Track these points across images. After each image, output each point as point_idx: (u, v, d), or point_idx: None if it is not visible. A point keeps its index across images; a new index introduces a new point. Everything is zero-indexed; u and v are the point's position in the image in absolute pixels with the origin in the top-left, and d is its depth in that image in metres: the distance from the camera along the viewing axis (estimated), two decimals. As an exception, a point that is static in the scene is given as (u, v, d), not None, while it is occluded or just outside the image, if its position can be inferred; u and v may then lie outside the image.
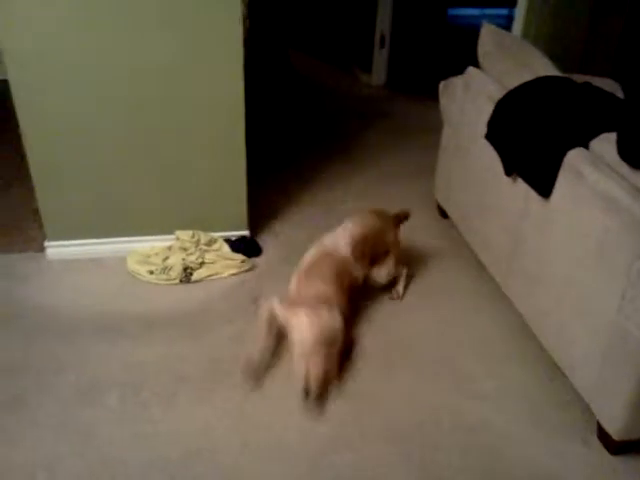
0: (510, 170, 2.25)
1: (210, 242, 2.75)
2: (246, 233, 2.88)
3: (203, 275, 2.63)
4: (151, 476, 1.77)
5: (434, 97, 3.12)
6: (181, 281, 2.59)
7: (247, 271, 2.70)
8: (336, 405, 2.01)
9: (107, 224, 2.71)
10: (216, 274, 2.65)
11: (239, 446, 1.87)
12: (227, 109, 2.54)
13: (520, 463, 1.82)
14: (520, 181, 2.20)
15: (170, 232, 2.75)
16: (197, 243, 2.71)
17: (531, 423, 1.97)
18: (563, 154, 1.95)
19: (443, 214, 3.13)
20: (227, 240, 2.80)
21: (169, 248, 2.72)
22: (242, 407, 2.01)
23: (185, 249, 2.69)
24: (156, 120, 2.52)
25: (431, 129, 3.55)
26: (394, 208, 2.64)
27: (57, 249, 2.70)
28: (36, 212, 2.69)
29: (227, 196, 2.77)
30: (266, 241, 2.92)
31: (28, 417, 1.94)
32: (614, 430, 1.79)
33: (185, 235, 2.73)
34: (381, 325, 2.40)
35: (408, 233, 2.87)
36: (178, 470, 1.79)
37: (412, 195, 3.37)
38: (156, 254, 2.70)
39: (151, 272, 2.61)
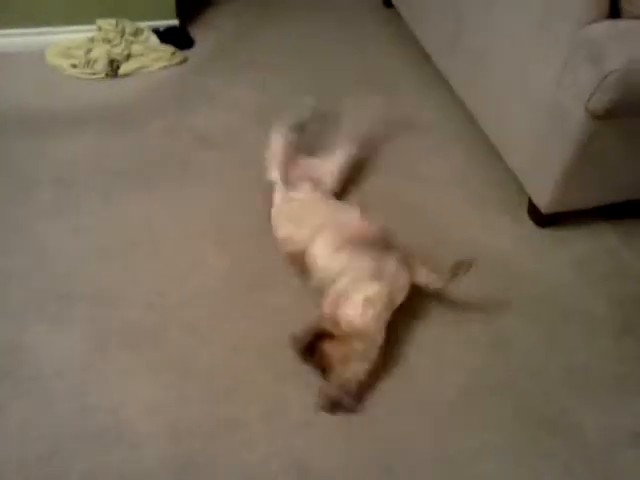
0: None
1: (136, 32, 2.53)
2: (175, 23, 2.65)
3: (131, 68, 2.45)
4: (93, 261, 1.77)
5: None
6: (107, 75, 2.42)
7: (178, 64, 2.53)
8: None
9: (21, 13, 2.44)
10: (145, 67, 2.47)
11: (180, 233, 1.88)
12: None
13: (457, 238, 1.90)
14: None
15: (91, 22, 2.51)
16: (122, 33, 2.49)
17: (467, 203, 2.04)
18: None
19: (387, 3, 2.95)
20: (155, 30, 2.58)
21: (91, 40, 2.50)
22: (180, 199, 1.98)
23: (109, 40, 2.47)
24: None
25: None
26: None
27: (-38, 42, 2.45)
28: None
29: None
30: (198, 32, 2.72)
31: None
32: (543, 204, 1.87)
33: (108, 25, 2.50)
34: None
35: (348, 19, 2.73)
36: (121, 254, 1.80)
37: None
38: (77, 47, 2.48)
39: (74, 66, 2.42)
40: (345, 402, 1.43)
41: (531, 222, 1.96)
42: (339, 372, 1.44)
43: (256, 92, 2.41)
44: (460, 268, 1.55)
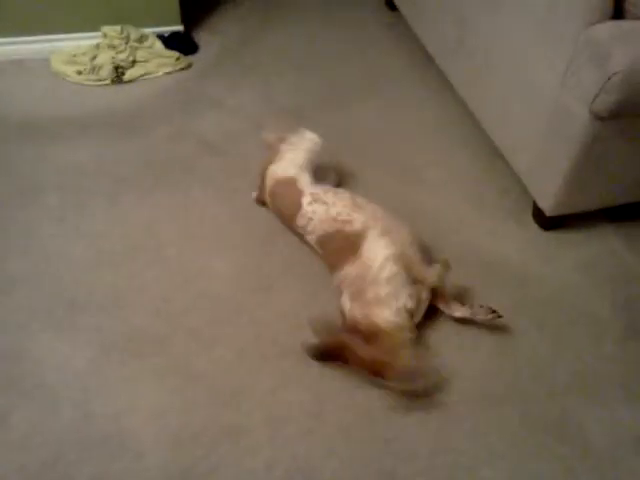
0: None
1: (141, 39, 2.54)
2: (180, 28, 2.66)
3: (136, 74, 2.46)
4: (98, 267, 1.78)
5: None
6: (112, 81, 2.43)
7: (183, 69, 2.54)
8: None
9: (26, 20, 2.46)
10: (149, 73, 2.48)
11: (185, 238, 1.88)
12: None
13: (460, 241, 1.90)
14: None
15: (96, 29, 2.52)
16: (127, 40, 2.50)
17: (471, 207, 2.03)
18: None
19: (391, 5, 2.94)
20: (159, 36, 2.59)
21: (96, 46, 2.51)
22: (184, 204, 1.99)
23: (114, 47, 2.48)
24: None
25: None
26: None
27: (-29, 50, 2.47)
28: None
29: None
30: (202, 37, 2.73)
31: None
32: (547, 207, 1.86)
33: (113, 31, 2.51)
34: (330, 120, 2.32)
35: (352, 22, 2.73)
36: (125, 260, 1.80)
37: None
38: (83, 53, 2.49)
39: (79, 72, 2.43)
40: (418, 386, 1.47)
41: (535, 225, 1.95)
42: (396, 365, 1.44)
43: (261, 96, 2.42)
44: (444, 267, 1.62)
